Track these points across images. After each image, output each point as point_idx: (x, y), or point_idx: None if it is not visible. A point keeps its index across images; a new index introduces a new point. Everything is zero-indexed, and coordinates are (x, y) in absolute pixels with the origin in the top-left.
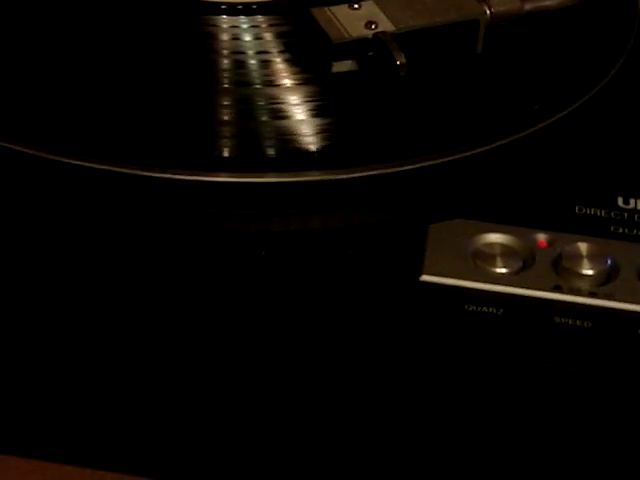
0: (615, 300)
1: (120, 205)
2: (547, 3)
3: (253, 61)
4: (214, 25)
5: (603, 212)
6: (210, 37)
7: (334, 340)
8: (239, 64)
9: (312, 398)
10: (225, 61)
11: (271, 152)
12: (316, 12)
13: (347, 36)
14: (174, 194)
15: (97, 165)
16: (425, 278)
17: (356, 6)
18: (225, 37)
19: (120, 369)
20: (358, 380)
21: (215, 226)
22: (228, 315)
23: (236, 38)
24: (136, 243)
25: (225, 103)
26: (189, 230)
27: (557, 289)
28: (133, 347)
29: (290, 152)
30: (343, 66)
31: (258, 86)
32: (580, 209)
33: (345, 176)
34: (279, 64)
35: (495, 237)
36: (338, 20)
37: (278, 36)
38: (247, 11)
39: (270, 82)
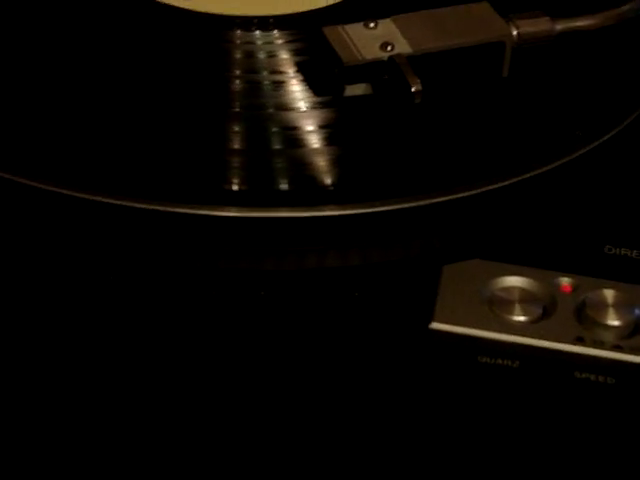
0: None
1: (120, 240)
2: (580, 23)
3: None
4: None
5: (635, 253)
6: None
7: (335, 391)
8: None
9: (312, 448)
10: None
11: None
12: (328, 31)
13: (360, 58)
14: (175, 229)
15: (94, 197)
16: (435, 326)
17: (372, 25)
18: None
19: (114, 406)
20: (361, 434)
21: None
22: (226, 358)
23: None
24: (139, 281)
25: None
26: (194, 268)
27: (579, 341)
28: (129, 386)
29: (298, 186)
30: (356, 89)
31: (270, 111)
32: (610, 249)
33: (352, 212)
34: (290, 86)
35: (514, 280)
36: (352, 40)
37: (294, 54)
38: (263, 25)
39: (281, 107)
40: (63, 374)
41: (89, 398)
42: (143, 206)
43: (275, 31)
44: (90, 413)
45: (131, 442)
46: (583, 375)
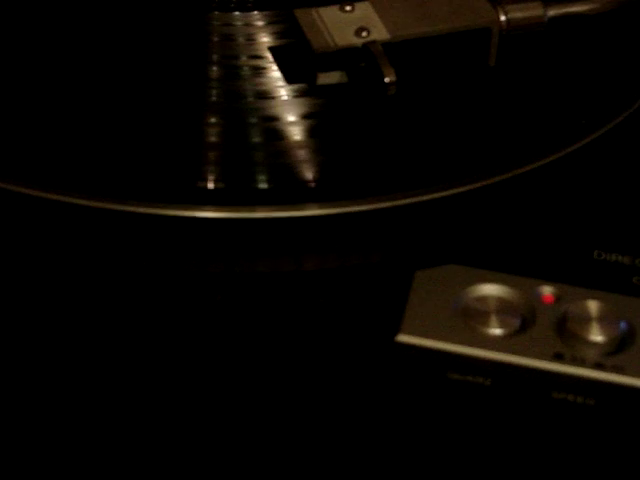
0: (625, 374)
1: (96, 243)
2: (576, 9)
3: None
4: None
5: (626, 259)
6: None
7: (295, 410)
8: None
9: (275, 466)
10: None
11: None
12: (300, 14)
13: (332, 45)
14: (148, 231)
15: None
16: (402, 338)
17: (348, 8)
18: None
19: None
20: (323, 455)
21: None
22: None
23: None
24: (114, 285)
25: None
26: (167, 270)
27: (558, 358)
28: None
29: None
30: (330, 78)
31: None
32: (599, 255)
33: (319, 212)
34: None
35: (490, 289)
36: (325, 24)
37: (275, 37)
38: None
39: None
40: (57, 380)
41: (84, 405)
42: (132, 209)
43: (255, 12)
44: (87, 421)
45: (128, 449)
46: (561, 395)
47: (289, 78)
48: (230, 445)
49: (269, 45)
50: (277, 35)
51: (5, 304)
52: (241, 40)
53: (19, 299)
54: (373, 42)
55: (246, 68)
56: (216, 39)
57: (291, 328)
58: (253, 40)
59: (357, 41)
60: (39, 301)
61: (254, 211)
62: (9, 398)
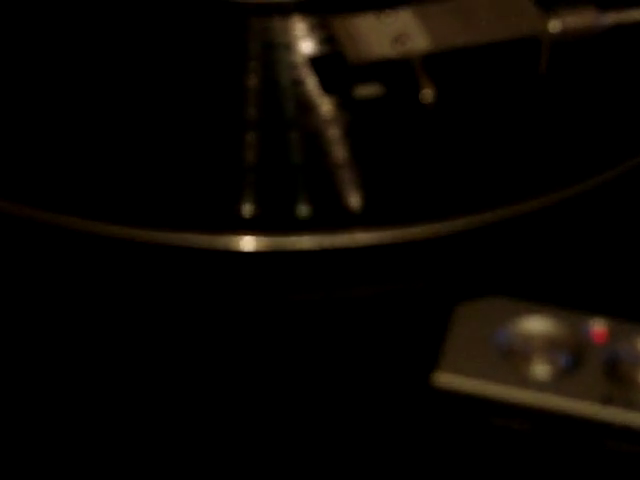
0: None
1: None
2: (636, 15)
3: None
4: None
5: None
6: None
7: (323, 455)
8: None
9: None
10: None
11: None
12: (336, 23)
13: (368, 56)
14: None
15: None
16: (439, 378)
17: (387, 16)
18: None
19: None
20: None
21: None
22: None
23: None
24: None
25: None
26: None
27: (607, 402)
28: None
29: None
30: (368, 90)
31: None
32: None
33: (359, 242)
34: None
35: (535, 324)
36: (362, 34)
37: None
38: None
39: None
40: (62, 388)
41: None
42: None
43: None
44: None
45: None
46: (614, 444)
47: (327, 89)
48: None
49: (308, 56)
50: (319, 43)
51: (29, 331)
52: (282, 49)
53: (45, 324)
54: (411, 53)
55: (287, 81)
56: (254, 49)
57: (321, 362)
58: (294, 49)
59: (395, 52)
60: (70, 332)
61: (294, 241)
62: (17, 405)
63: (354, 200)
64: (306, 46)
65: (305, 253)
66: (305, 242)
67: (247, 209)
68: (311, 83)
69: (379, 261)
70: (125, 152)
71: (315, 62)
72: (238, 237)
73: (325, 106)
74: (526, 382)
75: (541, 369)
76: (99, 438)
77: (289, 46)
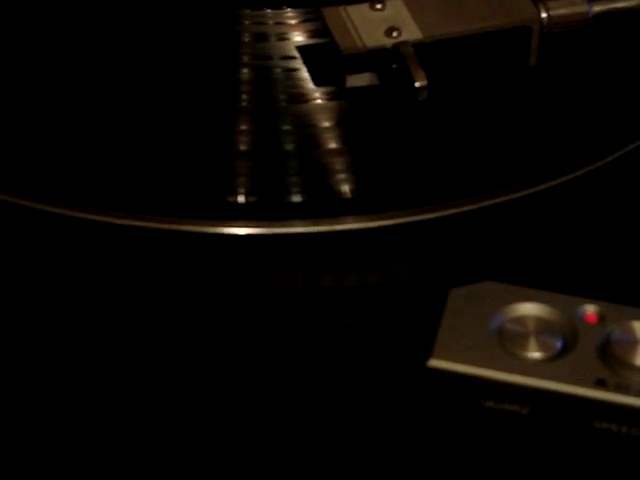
0: None
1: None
2: (622, 4)
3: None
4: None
5: None
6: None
7: (320, 435)
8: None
9: None
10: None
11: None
12: (328, 13)
13: (360, 46)
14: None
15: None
16: (434, 362)
17: (379, 6)
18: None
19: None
20: None
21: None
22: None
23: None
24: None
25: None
26: (198, 287)
27: (600, 384)
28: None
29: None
30: (359, 80)
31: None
32: None
33: (350, 227)
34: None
35: (529, 308)
36: (354, 24)
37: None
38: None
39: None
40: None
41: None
42: (156, 226)
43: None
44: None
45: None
46: (604, 425)
47: (317, 80)
48: (251, 459)
49: (298, 45)
50: (310, 34)
51: (28, 323)
52: (273, 40)
53: (44, 315)
54: (404, 43)
55: (278, 70)
56: (246, 39)
57: (317, 347)
58: (286, 40)
59: (387, 41)
60: (60, 319)
61: (288, 226)
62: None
63: (346, 187)
64: (298, 36)
65: (297, 239)
66: (297, 228)
67: (239, 196)
68: (303, 72)
69: (374, 247)
70: (117, 140)
71: (307, 52)
72: (230, 224)
73: (317, 95)
74: (520, 365)
75: (535, 353)
76: (92, 430)
77: (281, 36)
